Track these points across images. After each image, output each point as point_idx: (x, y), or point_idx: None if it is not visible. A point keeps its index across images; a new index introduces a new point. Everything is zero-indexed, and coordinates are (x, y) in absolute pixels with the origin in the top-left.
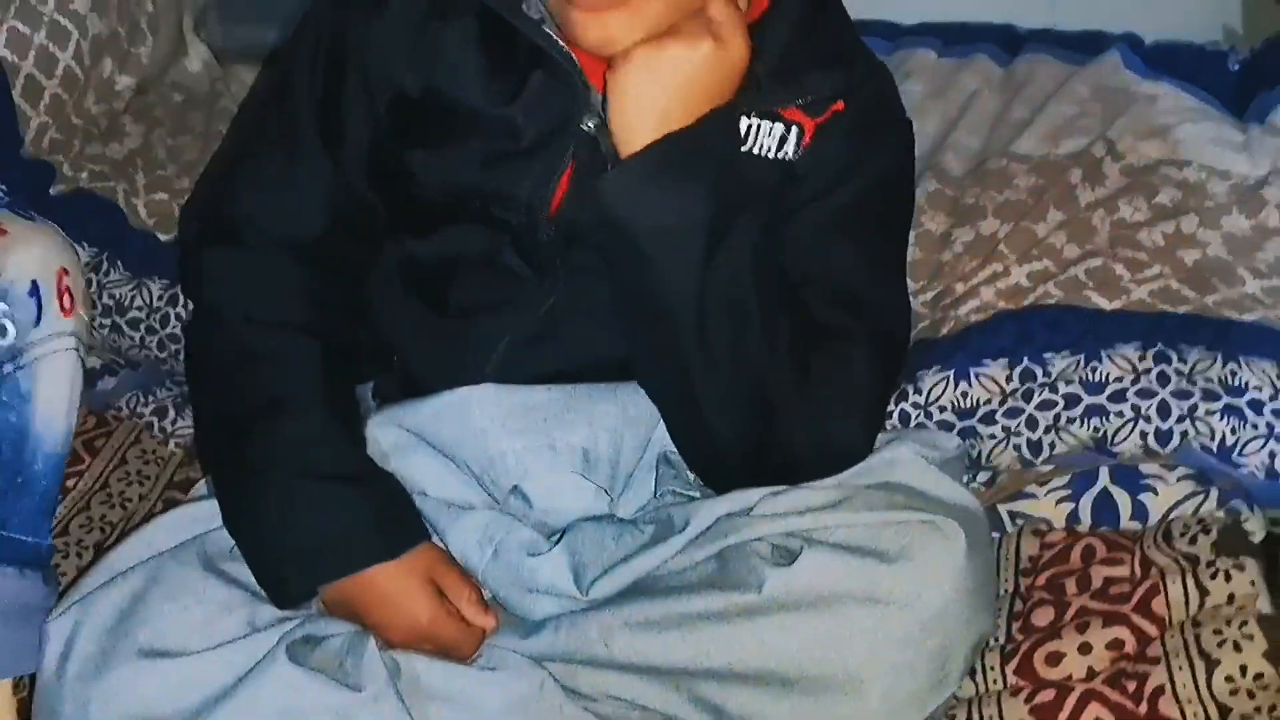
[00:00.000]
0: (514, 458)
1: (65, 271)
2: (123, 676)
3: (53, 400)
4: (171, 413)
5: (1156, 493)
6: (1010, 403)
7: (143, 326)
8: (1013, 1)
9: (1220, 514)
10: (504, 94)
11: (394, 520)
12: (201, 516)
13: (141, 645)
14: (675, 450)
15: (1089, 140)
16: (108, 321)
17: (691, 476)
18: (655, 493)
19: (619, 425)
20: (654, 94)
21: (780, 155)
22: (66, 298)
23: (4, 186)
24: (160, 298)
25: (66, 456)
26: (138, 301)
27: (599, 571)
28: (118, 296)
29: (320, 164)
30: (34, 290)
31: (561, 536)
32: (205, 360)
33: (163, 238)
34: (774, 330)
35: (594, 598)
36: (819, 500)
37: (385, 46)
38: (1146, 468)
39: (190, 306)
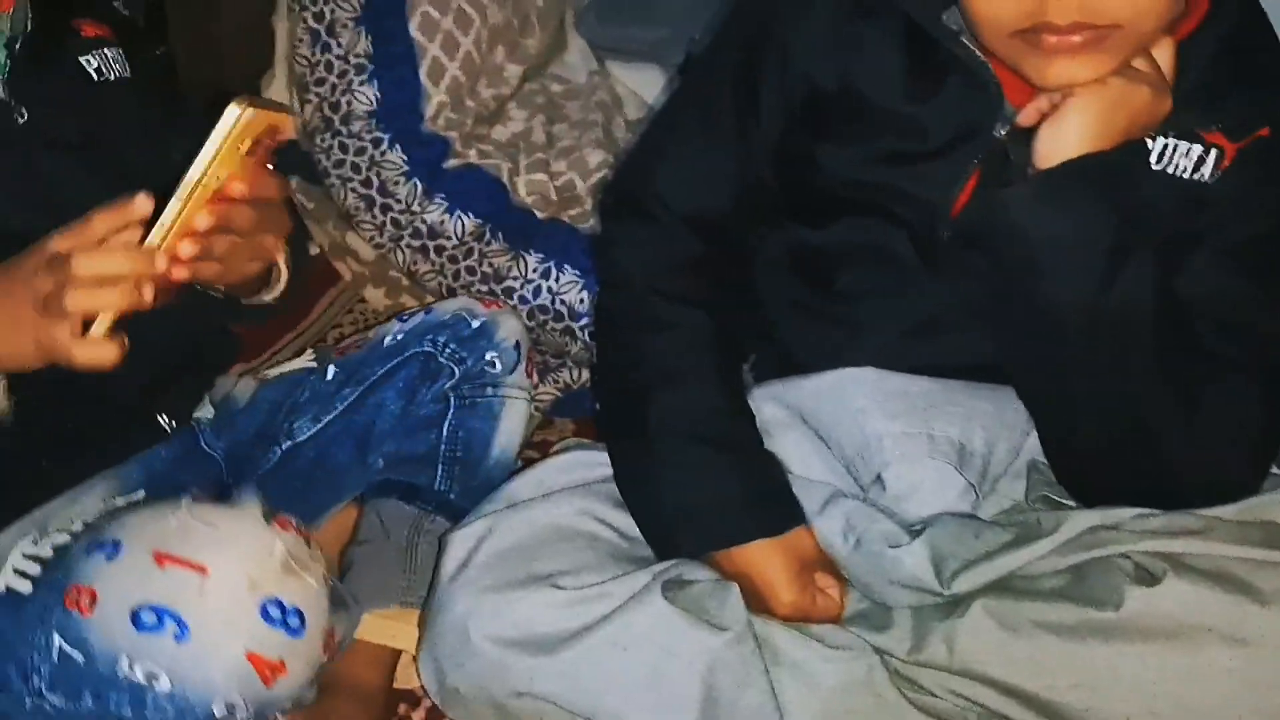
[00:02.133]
0: (891, 440)
1: (533, 355)
2: (511, 594)
3: (510, 431)
4: (535, 378)
5: None
6: None
7: (515, 296)
8: None
9: None
10: (918, 95)
11: (777, 500)
12: (587, 462)
13: (531, 571)
14: (1045, 460)
15: None
16: (485, 288)
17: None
18: (1027, 498)
19: (994, 425)
20: (1089, 121)
21: (1196, 177)
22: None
23: (405, 156)
24: (535, 270)
25: (508, 474)
26: (514, 272)
27: (959, 565)
28: (496, 266)
29: (733, 147)
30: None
31: (922, 530)
32: (611, 324)
33: (539, 215)
34: (1165, 357)
35: (954, 592)
36: (1195, 524)
37: (808, 42)
38: None
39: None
